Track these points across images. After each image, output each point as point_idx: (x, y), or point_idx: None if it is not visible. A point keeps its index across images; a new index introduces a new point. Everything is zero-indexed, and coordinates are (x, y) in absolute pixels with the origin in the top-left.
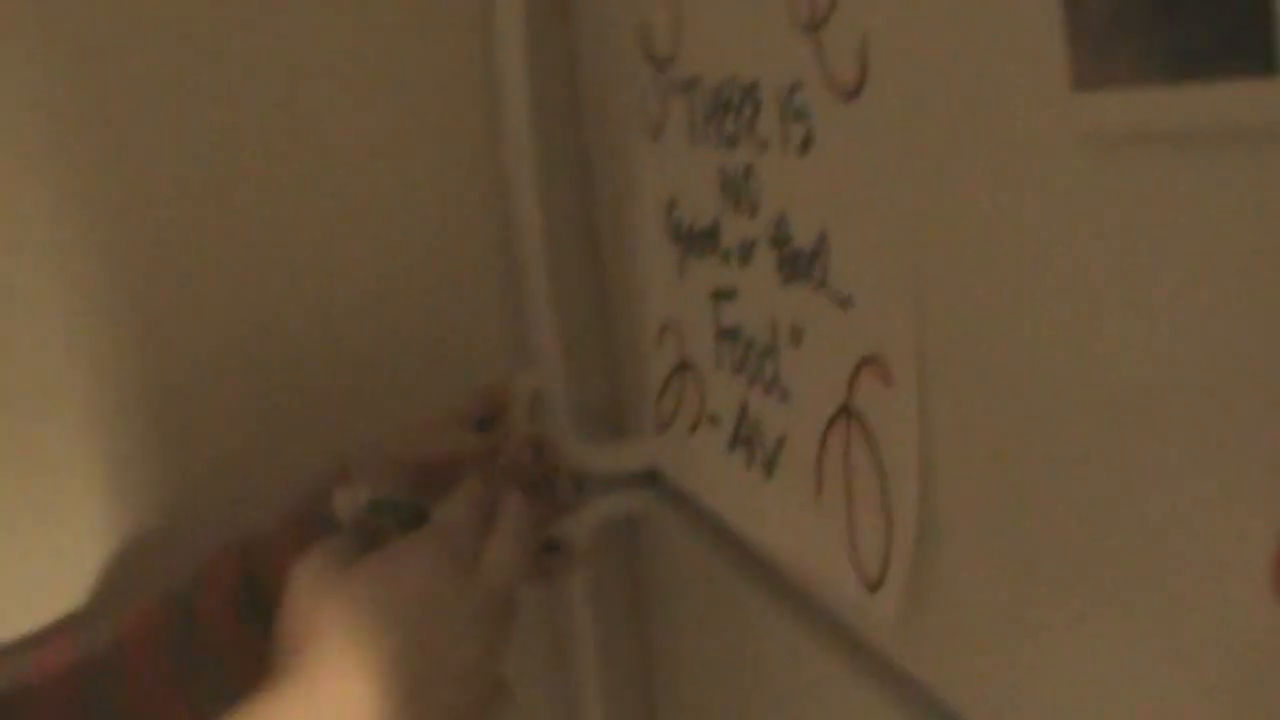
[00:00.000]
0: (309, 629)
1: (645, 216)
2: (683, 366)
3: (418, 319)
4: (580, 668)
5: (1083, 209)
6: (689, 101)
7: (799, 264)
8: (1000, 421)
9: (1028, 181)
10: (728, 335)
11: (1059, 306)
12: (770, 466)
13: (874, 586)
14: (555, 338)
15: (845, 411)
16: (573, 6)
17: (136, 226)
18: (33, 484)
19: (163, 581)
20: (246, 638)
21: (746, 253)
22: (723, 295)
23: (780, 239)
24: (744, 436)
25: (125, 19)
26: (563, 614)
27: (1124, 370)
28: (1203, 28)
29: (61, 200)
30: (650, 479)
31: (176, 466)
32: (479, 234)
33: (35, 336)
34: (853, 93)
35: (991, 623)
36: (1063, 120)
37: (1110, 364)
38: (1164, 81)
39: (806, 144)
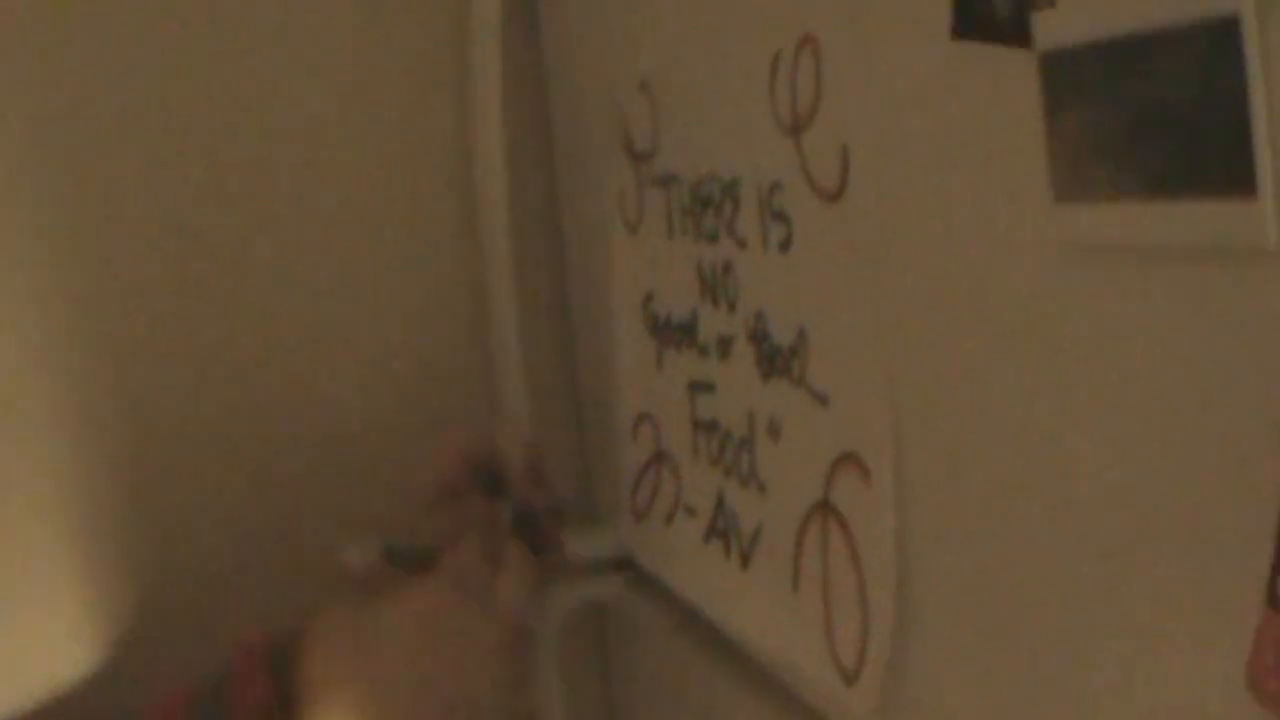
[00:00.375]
0: (330, 676)
1: (622, 308)
2: (659, 457)
3: (392, 405)
4: None
5: (1059, 316)
6: (667, 195)
7: (778, 360)
8: (976, 519)
9: (1005, 287)
10: (705, 427)
11: (1033, 409)
12: (746, 558)
13: (851, 679)
14: (528, 425)
15: (823, 506)
16: (551, 98)
17: (109, 302)
18: (14, 575)
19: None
20: None
21: (725, 347)
22: (700, 387)
23: (759, 334)
24: (720, 528)
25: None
26: (533, 698)
27: (1095, 473)
28: (1182, 148)
29: (41, 285)
30: (621, 565)
31: (157, 555)
32: (454, 319)
33: (14, 420)
34: (834, 195)
35: (966, 715)
36: (1042, 230)
37: (1082, 466)
38: (1143, 197)
39: (786, 243)
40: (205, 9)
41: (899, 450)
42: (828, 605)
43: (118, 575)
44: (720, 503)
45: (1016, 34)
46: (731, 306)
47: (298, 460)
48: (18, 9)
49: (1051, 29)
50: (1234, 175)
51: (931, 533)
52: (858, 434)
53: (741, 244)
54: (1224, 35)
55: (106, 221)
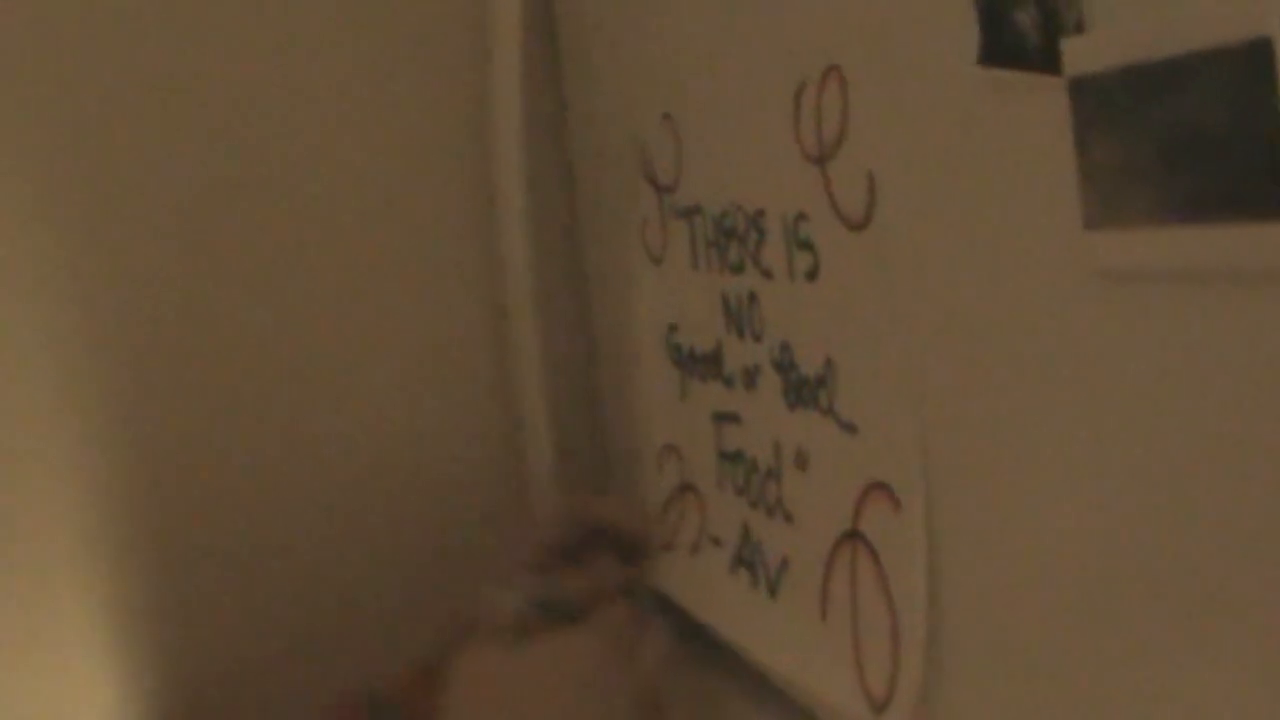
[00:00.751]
0: (476, 711)
1: (646, 339)
2: (684, 488)
3: (411, 430)
4: None
5: (1090, 343)
6: (691, 227)
7: (804, 390)
8: (1008, 548)
9: (1035, 315)
10: (730, 458)
11: (1065, 436)
12: (774, 588)
13: (880, 709)
14: (551, 457)
15: (852, 536)
16: (572, 130)
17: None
18: (38, 661)
19: None
20: None
21: (750, 377)
22: (725, 418)
23: (785, 364)
24: (746, 558)
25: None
26: None
27: (1131, 499)
28: (1215, 172)
29: (62, 323)
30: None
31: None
32: (476, 350)
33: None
34: (860, 223)
35: None
36: (1072, 257)
37: (1117, 493)
38: (1175, 222)
39: (813, 273)
40: (226, 12)
41: (928, 478)
42: (857, 635)
43: (151, 648)
44: (746, 533)
45: (1045, 60)
46: (757, 337)
47: (313, 507)
48: (33, 5)
49: (1081, 55)
50: (1267, 198)
51: (962, 562)
52: (887, 463)
53: (767, 274)
54: (1255, 57)
55: (128, 249)
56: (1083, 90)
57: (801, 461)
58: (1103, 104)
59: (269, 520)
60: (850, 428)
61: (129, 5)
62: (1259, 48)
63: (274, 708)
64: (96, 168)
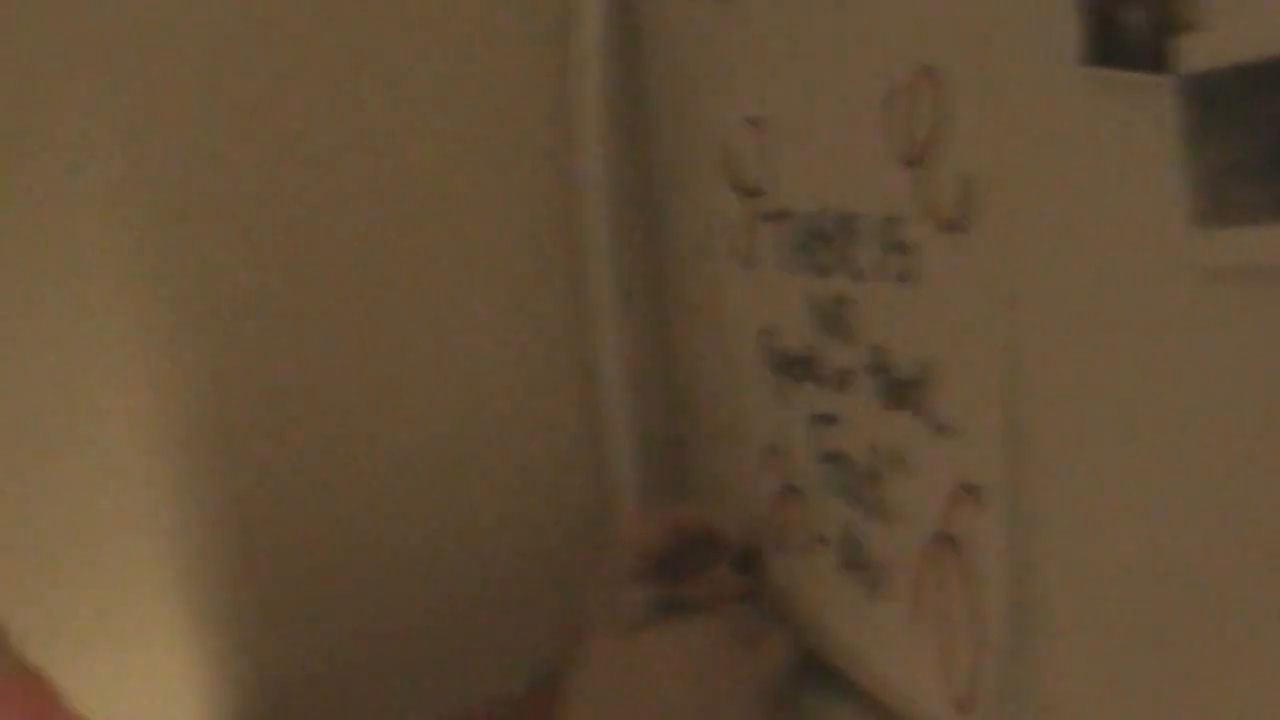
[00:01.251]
0: (604, 690)
1: (740, 343)
2: (788, 489)
3: (495, 435)
4: None
5: (1197, 342)
6: (778, 230)
7: (899, 392)
8: (1103, 551)
9: (1140, 313)
10: (830, 459)
11: (1167, 437)
12: (874, 588)
13: (964, 709)
14: (636, 468)
15: (942, 536)
16: (656, 133)
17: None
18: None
19: None
20: None
21: (845, 380)
22: (822, 420)
23: (879, 367)
24: (850, 559)
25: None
26: None
27: (1232, 500)
28: None
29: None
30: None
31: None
32: (558, 358)
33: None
34: (957, 225)
35: None
36: (1179, 256)
37: (1218, 494)
38: None
39: (906, 275)
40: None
41: (1021, 480)
42: (945, 634)
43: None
44: (848, 533)
45: (1154, 60)
46: (850, 340)
47: (395, 513)
48: (131, 16)
49: (1192, 54)
50: None
51: (1056, 563)
52: (976, 464)
53: (859, 276)
54: None
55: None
56: (1193, 89)
57: (898, 462)
58: (1216, 102)
59: (354, 525)
60: (943, 429)
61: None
62: None
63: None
64: (190, 170)
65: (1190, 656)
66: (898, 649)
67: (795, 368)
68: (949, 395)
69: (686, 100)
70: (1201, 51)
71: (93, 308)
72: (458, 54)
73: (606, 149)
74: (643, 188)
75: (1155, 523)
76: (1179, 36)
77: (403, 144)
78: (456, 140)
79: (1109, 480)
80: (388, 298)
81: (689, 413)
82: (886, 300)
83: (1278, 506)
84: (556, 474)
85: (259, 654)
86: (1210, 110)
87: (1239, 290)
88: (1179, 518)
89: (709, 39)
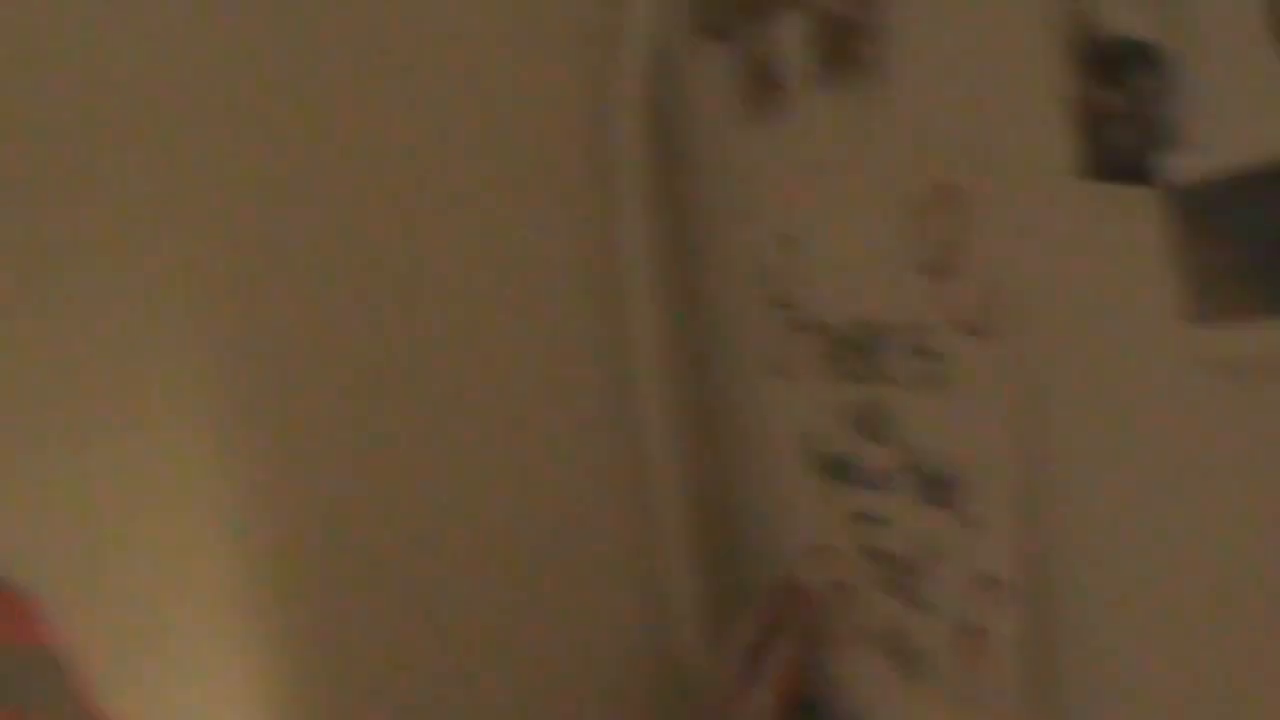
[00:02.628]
0: None
1: (783, 448)
2: (837, 585)
3: (549, 533)
4: None
5: (1196, 431)
6: (813, 341)
7: (936, 490)
8: (1124, 632)
9: (1145, 407)
10: (873, 555)
11: (1177, 522)
12: (913, 676)
13: None
14: (690, 570)
15: (971, 626)
16: (695, 255)
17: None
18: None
19: None
20: None
21: (885, 480)
22: (867, 519)
23: (917, 467)
24: (891, 647)
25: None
26: None
27: (1239, 586)
28: None
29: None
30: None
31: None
32: (612, 463)
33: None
34: (981, 332)
35: None
36: (1180, 352)
37: (1224, 573)
38: (1273, 317)
39: (936, 380)
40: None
41: (1040, 570)
42: (973, 716)
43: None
44: (891, 625)
45: (1140, 173)
46: (886, 442)
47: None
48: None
49: (1178, 168)
50: None
51: (1074, 650)
52: (999, 557)
53: (892, 382)
54: None
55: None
56: (1181, 199)
57: (937, 556)
58: (1204, 210)
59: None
60: (975, 524)
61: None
62: None
63: None
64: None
65: None
66: None
67: (836, 469)
68: (979, 492)
69: (726, 223)
70: (1187, 166)
71: (161, 321)
72: (504, 192)
73: (652, 275)
74: (689, 308)
75: (1175, 608)
76: (1164, 152)
77: (461, 300)
78: (506, 278)
79: (1123, 566)
80: (455, 410)
81: (742, 523)
82: (921, 404)
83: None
84: (610, 590)
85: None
86: (1198, 219)
87: (1233, 381)
88: (1194, 603)
89: (744, 161)
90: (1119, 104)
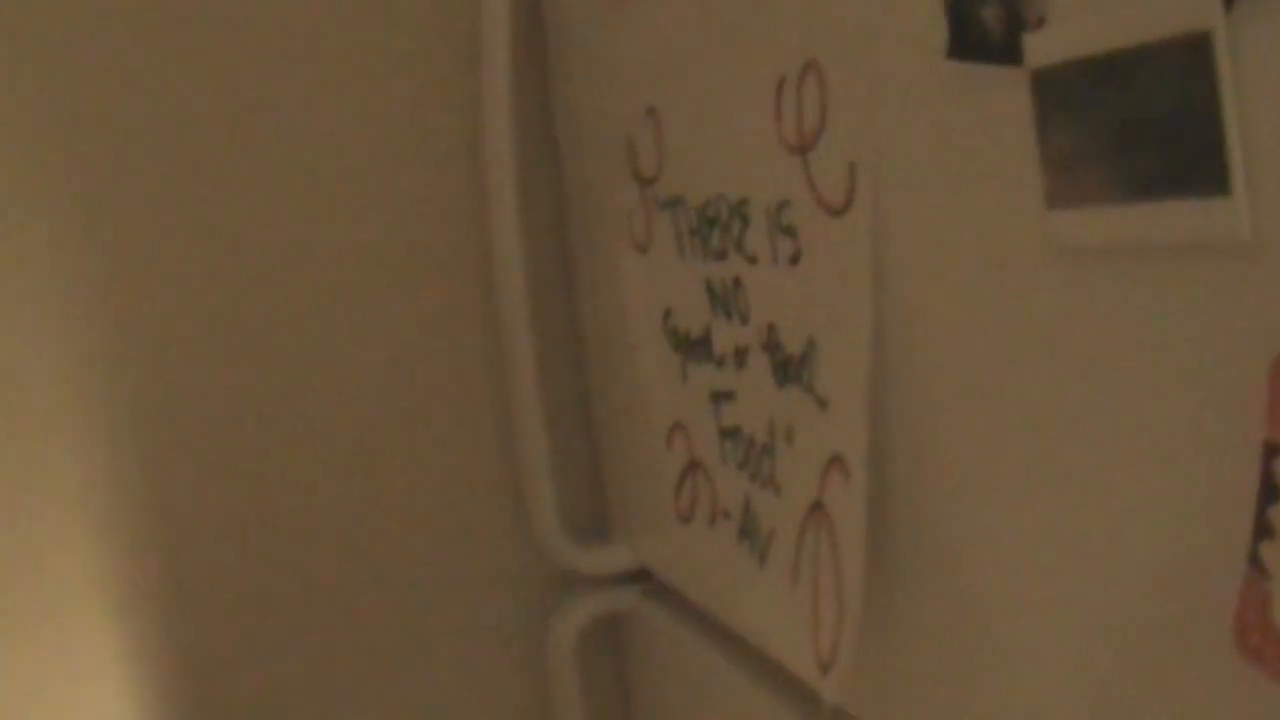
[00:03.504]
0: None
1: (641, 325)
2: (693, 464)
3: (405, 422)
4: None
5: (1051, 316)
6: (674, 217)
7: (789, 368)
8: (959, 517)
9: (999, 291)
10: (730, 434)
11: (1027, 406)
12: (763, 558)
13: (826, 668)
14: (543, 446)
15: (817, 505)
16: (558, 127)
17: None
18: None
19: None
20: None
21: (740, 358)
22: (722, 397)
23: (771, 345)
24: (747, 530)
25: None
26: (553, 712)
27: (1088, 468)
28: (1163, 153)
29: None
30: (636, 577)
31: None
32: (467, 339)
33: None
34: (840, 209)
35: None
36: (1035, 236)
37: (1071, 457)
38: (1128, 200)
39: (795, 257)
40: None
41: (882, 452)
42: (816, 600)
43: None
44: (747, 506)
45: (1008, 54)
46: (744, 319)
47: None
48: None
49: (1041, 49)
50: (1210, 176)
51: (914, 532)
52: (845, 436)
53: (751, 260)
54: (1197, 49)
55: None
56: (1043, 81)
57: (789, 436)
58: (1062, 93)
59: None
60: (823, 403)
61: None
62: (1201, 40)
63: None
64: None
65: (1054, 632)
66: (778, 613)
67: (696, 348)
68: (830, 371)
69: (591, 94)
70: (1047, 47)
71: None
72: (368, 50)
73: (514, 143)
74: (549, 181)
75: (1020, 492)
76: (1028, 33)
77: (312, 137)
78: (365, 136)
79: (965, 449)
80: (296, 284)
81: (595, 398)
82: (778, 281)
83: (1125, 464)
84: (467, 468)
85: (184, 641)
86: (1058, 100)
87: (1087, 267)
88: (1041, 487)
89: (611, 33)
90: None
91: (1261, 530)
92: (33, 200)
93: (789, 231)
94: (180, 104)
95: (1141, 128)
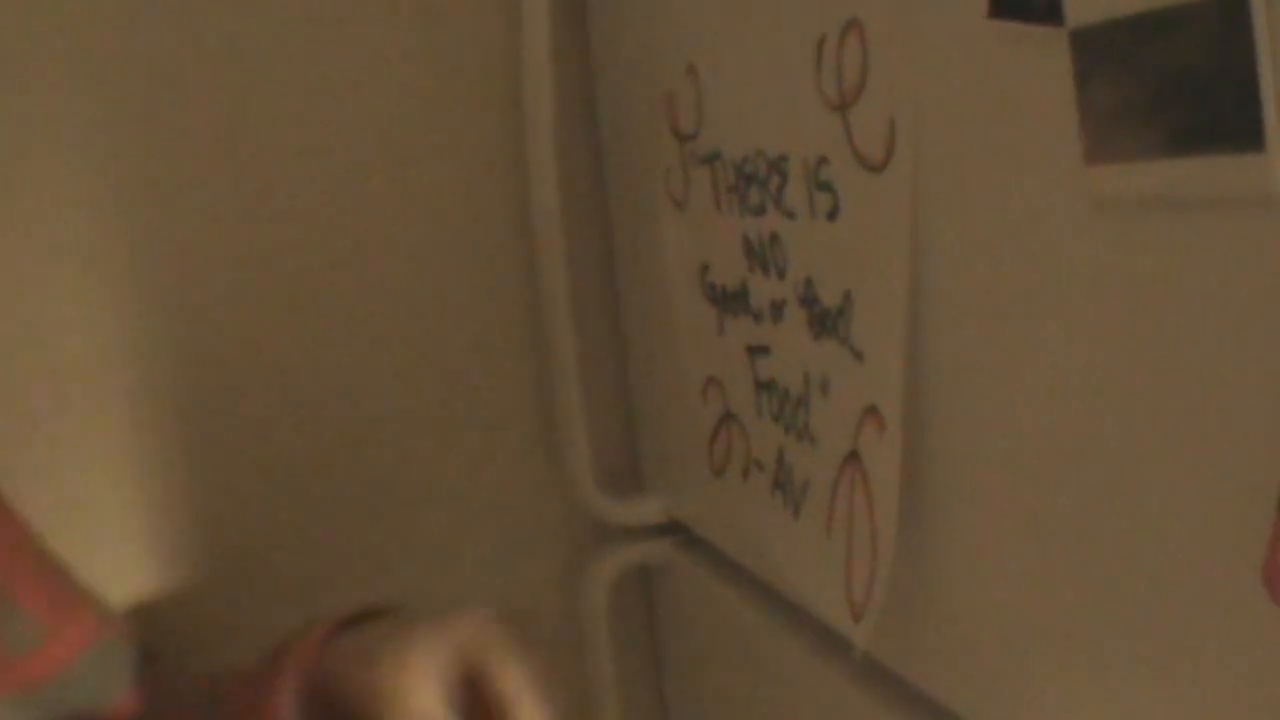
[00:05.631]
0: None
1: (677, 280)
2: (728, 417)
3: (442, 376)
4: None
5: (1088, 270)
6: (712, 172)
7: (826, 321)
8: (997, 468)
9: (1039, 244)
10: (765, 387)
11: (1063, 359)
12: (797, 509)
13: (858, 616)
14: (578, 398)
15: (852, 456)
16: (597, 78)
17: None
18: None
19: None
20: None
21: (777, 311)
22: (757, 351)
23: (808, 299)
24: (781, 481)
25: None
26: (585, 663)
27: (1119, 418)
28: (1198, 110)
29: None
30: (668, 530)
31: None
32: (503, 293)
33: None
34: (879, 165)
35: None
36: (1074, 190)
37: (1107, 410)
38: (1165, 156)
39: (833, 212)
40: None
41: (918, 404)
42: (849, 549)
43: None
44: (781, 457)
45: (1050, 14)
46: (781, 274)
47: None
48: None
49: (1082, 8)
50: (1244, 131)
51: (948, 484)
52: (881, 388)
53: (789, 215)
54: (1235, 7)
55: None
56: (1083, 39)
57: (824, 388)
58: (1101, 51)
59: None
60: (859, 355)
61: None
62: None
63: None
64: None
65: (1077, 580)
66: (812, 563)
67: (732, 301)
68: (867, 323)
69: (631, 50)
70: (1088, 6)
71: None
72: (404, 12)
73: (553, 100)
74: (588, 140)
75: (1052, 443)
76: None
77: (352, 105)
78: (404, 99)
79: (1000, 401)
80: (339, 251)
81: (630, 350)
82: (815, 236)
83: (1159, 416)
84: (504, 420)
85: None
86: (1097, 58)
87: (1124, 221)
88: (1073, 439)
89: None
90: None
91: None
92: (79, 194)
93: (827, 187)
94: (226, 98)
95: (1179, 84)
